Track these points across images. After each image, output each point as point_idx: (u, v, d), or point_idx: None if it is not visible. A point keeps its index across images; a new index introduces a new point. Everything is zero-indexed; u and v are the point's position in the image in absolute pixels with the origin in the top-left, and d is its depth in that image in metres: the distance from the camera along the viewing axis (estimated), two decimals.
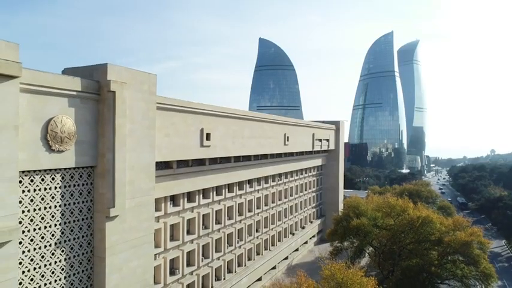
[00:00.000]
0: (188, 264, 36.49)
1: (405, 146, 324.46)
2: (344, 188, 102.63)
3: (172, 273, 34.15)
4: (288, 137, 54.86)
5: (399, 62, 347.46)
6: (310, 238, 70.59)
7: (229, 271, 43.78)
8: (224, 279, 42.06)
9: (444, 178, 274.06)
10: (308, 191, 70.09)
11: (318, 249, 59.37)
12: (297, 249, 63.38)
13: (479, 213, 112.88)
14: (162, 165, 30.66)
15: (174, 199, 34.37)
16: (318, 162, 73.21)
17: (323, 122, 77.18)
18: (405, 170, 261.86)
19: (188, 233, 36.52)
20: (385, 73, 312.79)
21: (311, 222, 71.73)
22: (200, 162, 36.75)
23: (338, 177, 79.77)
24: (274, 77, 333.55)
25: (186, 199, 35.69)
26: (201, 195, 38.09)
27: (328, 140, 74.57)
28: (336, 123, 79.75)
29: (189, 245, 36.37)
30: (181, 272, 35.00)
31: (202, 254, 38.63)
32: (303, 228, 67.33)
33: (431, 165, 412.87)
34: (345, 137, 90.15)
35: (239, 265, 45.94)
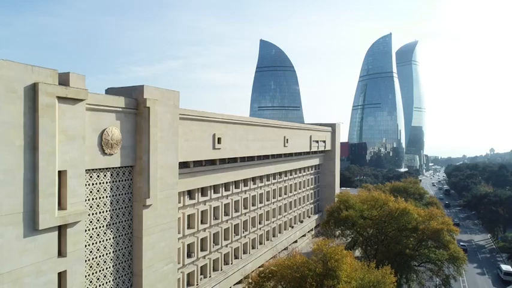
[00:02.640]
0: (202, 249, 42.70)
1: (403, 145, 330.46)
2: (342, 186, 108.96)
3: (189, 255, 40.41)
4: (287, 140, 61.16)
5: (398, 63, 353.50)
6: (308, 231, 76.79)
7: (236, 257, 50.07)
8: (231, 263, 48.37)
9: (440, 177, 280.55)
10: (306, 188, 76.36)
11: (315, 242, 65.57)
12: (295, 241, 69.54)
13: (469, 209, 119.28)
14: (182, 165, 36.75)
15: (190, 193, 40.63)
16: (315, 161, 79.47)
17: (320, 124, 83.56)
18: (403, 169, 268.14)
19: (201, 222, 42.71)
20: (383, 74, 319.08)
21: (309, 217, 78.00)
22: (212, 162, 43.01)
23: (334, 175, 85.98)
24: (274, 78, 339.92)
25: (200, 193, 41.95)
26: (212, 191, 44.36)
27: (324, 141, 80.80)
28: (332, 126, 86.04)
29: (202, 233, 42.61)
30: (196, 255, 41.26)
31: (213, 241, 44.87)
32: (302, 222, 73.61)
33: (430, 164, 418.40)
34: (341, 138, 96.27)
35: (244, 252, 52.20)
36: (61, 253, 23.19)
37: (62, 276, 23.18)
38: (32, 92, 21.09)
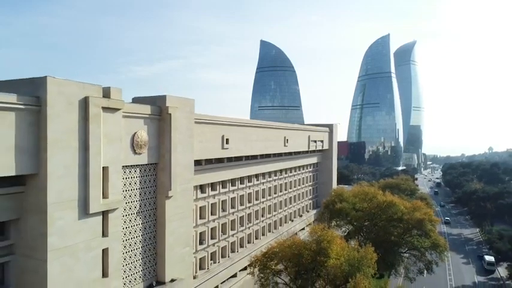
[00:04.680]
0: (212, 238, 48.11)
1: (402, 144, 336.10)
2: (341, 184, 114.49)
3: (200, 243, 45.81)
4: (287, 140, 66.60)
5: (397, 63, 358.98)
6: (307, 225, 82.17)
7: (241, 246, 55.52)
8: (237, 251, 53.82)
9: (437, 175, 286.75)
10: (305, 184, 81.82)
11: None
12: (295, 234, 74.86)
13: (461, 206, 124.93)
14: (195, 163, 41.95)
15: (202, 188, 45.96)
16: (313, 160, 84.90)
17: (318, 125, 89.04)
18: (401, 167, 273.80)
19: (211, 214, 48.07)
20: (382, 74, 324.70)
21: (308, 211, 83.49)
22: (220, 160, 48.41)
23: (331, 173, 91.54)
24: (275, 78, 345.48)
25: (210, 188, 47.36)
26: (221, 186, 49.76)
27: (322, 141, 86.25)
28: (330, 126, 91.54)
29: (212, 223, 47.99)
30: (207, 242, 46.68)
31: (221, 231, 50.28)
32: (301, 216, 79.11)
33: (428, 162, 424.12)
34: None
35: (248, 242, 57.63)
36: (104, 234, 28.50)
37: (104, 252, 28.50)
38: (84, 104, 26.39)
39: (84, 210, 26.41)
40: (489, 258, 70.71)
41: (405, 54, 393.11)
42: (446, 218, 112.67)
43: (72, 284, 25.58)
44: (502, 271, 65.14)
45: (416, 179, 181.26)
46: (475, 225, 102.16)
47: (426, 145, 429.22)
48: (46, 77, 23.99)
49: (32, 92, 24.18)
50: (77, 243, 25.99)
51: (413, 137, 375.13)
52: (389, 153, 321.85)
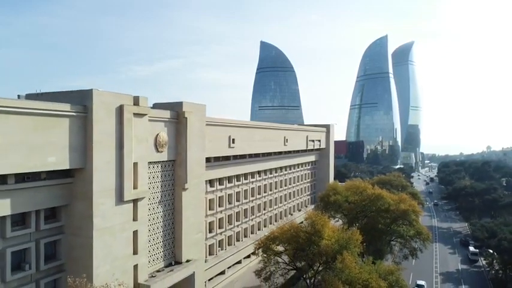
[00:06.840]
0: (219, 227, 53.83)
1: (400, 143, 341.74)
2: (339, 182, 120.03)
3: (210, 231, 51.51)
4: (287, 139, 72.40)
5: (395, 63, 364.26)
6: (305, 219, 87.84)
7: (245, 236, 61.26)
8: (242, 240, 59.59)
9: (434, 173, 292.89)
10: (304, 181, 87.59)
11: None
12: None
13: (453, 202, 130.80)
14: (205, 160, 47.85)
15: (210, 182, 51.66)
16: (311, 158, 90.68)
17: (316, 125, 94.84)
18: (398, 166, 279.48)
19: (219, 206, 53.72)
20: (380, 75, 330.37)
21: (306, 206, 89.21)
22: (226, 158, 54.16)
23: (328, 170, 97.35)
24: (275, 79, 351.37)
25: (218, 183, 53.10)
26: (227, 181, 55.51)
27: (319, 140, 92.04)
28: (327, 126, 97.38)
29: (219, 214, 53.73)
30: (215, 231, 52.41)
31: (228, 221, 55.99)
32: (300, 211, 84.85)
33: (426, 161, 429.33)
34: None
35: (252, 232, 63.37)
36: (134, 218, 34.16)
37: (135, 234, 34.25)
38: (119, 111, 32.11)
39: (119, 198, 32.16)
40: (473, 249, 76.48)
41: (403, 54, 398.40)
42: (435, 201, 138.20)
43: (110, 258, 31.36)
44: (485, 261, 70.82)
45: (412, 177, 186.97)
46: (463, 219, 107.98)
47: (425, 144, 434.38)
48: (92, 89, 29.75)
49: (79, 102, 29.91)
50: (114, 224, 31.76)
51: (412, 136, 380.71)
52: (387, 152, 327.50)
